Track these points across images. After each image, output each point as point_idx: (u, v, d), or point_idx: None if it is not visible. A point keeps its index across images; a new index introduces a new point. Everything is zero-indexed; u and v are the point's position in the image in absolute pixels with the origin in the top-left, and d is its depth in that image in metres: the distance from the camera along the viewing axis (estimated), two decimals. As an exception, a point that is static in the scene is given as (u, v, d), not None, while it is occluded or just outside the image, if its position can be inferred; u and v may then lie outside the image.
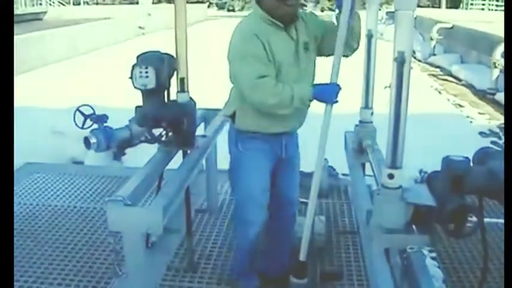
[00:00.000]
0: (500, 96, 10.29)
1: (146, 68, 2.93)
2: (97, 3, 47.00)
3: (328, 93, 2.72)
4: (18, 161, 3.59)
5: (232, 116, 3.01)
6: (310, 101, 2.74)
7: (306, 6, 48.56)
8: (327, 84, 2.73)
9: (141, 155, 3.53)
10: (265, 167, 3.07)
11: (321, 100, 2.74)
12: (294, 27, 2.88)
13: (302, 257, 2.85)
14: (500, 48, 10.89)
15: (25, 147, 5.58)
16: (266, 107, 2.79)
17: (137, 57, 3.00)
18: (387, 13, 24.78)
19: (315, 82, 2.92)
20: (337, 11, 2.75)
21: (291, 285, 2.88)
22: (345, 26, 2.66)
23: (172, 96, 3.23)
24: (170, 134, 3.22)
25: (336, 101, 2.73)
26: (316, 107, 2.83)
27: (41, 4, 33.36)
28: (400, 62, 2.02)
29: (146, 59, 2.98)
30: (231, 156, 3.14)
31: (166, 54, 3.11)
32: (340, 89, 2.72)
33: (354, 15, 2.73)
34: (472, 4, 40.30)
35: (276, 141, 3.05)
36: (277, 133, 3.01)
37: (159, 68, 2.96)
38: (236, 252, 3.42)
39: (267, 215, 3.16)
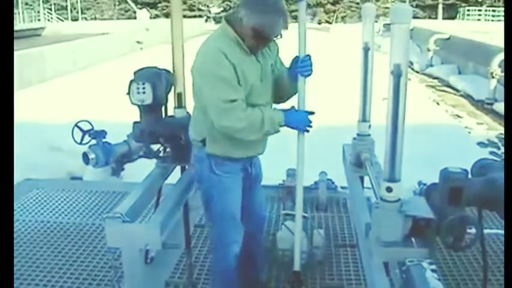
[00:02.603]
0: (498, 106, 10.32)
1: (143, 84, 2.94)
2: (95, 19, 47.31)
3: (299, 121, 2.75)
4: (16, 176, 3.59)
5: (203, 141, 2.90)
6: (281, 126, 2.73)
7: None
8: (297, 111, 2.76)
9: (140, 170, 3.52)
10: (240, 187, 3.03)
11: (292, 127, 2.76)
12: (260, 52, 2.81)
13: (296, 267, 2.83)
14: (498, 58, 10.95)
15: (24, 163, 5.58)
16: (235, 132, 2.72)
17: (134, 73, 3.01)
18: (384, 25, 24.95)
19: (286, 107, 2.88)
20: None
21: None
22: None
23: (170, 112, 3.23)
24: (168, 149, 3.21)
25: (307, 130, 2.76)
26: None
27: (39, 20, 33.56)
28: (397, 74, 2.02)
29: (143, 75, 2.98)
30: (205, 180, 2.99)
31: (163, 69, 3.12)
32: (311, 114, 2.75)
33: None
34: (468, 15, 40.62)
35: (247, 161, 3.02)
36: (248, 156, 3.01)
37: (156, 83, 2.97)
38: (216, 277, 3.29)
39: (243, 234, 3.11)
